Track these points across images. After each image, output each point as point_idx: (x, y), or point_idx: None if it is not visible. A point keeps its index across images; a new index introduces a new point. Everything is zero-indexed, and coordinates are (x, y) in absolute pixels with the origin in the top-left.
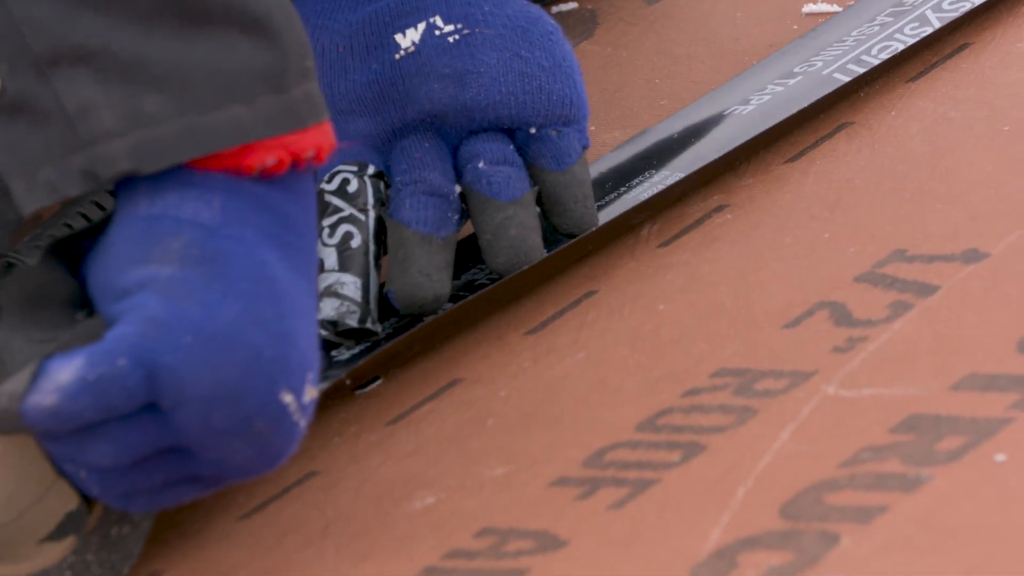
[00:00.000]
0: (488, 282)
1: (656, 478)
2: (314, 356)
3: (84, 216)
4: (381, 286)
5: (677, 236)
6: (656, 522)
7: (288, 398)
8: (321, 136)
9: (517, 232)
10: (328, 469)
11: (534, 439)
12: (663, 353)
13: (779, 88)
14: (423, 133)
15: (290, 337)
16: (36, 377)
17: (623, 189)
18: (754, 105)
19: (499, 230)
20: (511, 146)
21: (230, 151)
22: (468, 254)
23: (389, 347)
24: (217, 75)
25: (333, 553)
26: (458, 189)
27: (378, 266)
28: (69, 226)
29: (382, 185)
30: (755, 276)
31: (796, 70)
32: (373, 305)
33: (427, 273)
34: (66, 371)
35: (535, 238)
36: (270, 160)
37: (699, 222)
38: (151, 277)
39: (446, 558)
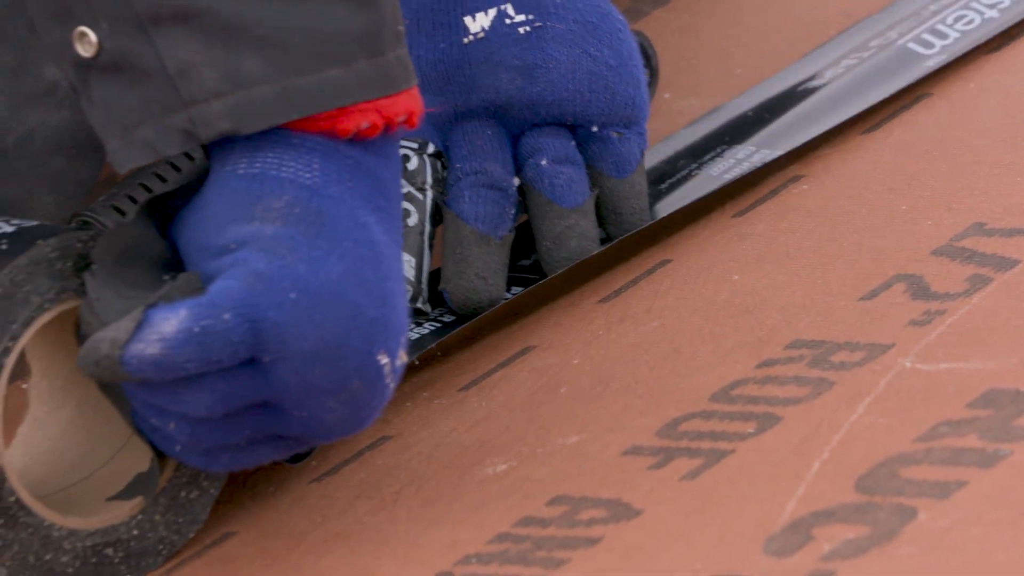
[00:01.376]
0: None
1: (730, 449)
2: (406, 320)
3: (159, 176)
4: (435, 271)
5: (752, 206)
6: (730, 493)
7: (384, 359)
8: (412, 101)
9: (577, 244)
10: (400, 434)
11: (607, 407)
12: (738, 323)
13: (854, 62)
14: (485, 120)
15: (389, 299)
16: (139, 326)
17: (695, 166)
18: (828, 80)
19: (559, 239)
20: (573, 142)
21: (326, 114)
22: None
23: (460, 330)
24: (315, 37)
25: (405, 517)
26: (517, 182)
27: (431, 246)
28: (145, 186)
29: (440, 165)
30: (831, 247)
31: (871, 43)
32: (425, 285)
33: (483, 276)
34: (170, 322)
35: (594, 248)
36: (364, 124)
37: (775, 192)
38: (254, 234)
39: (518, 525)
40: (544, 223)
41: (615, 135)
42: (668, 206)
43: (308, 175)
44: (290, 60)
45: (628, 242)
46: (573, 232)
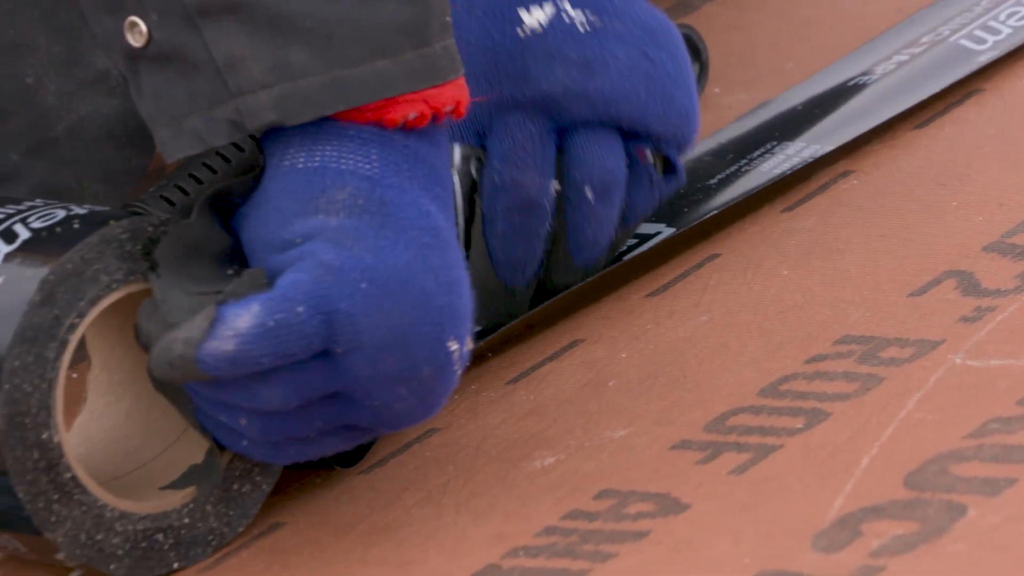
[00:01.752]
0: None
1: (779, 444)
2: (472, 307)
3: (208, 166)
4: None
5: (802, 201)
6: (778, 488)
7: (454, 346)
8: (459, 91)
9: (606, 266)
10: (448, 426)
11: (655, 401)
12: (786, 318)
13: (905, 58)
14: (530, 112)
15: (456, 286)
16: (213, 324)
17: (744, 162)
18: (879, 76)
19: (592, 270)
20: (623, 155)
21: (373, 105)
22: None
23: (506, 330)
24: (362, 29)
25: (452, 510)
26: (556, 187)
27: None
28: (194, 176)
29: (474, 167)
30: (881, 243)
31: (923, 39)
32: None
33: (508, 314)
34: (244, 317)
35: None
36: (412, 114)
37: (824, 187)
38: (319, 227)
39: (566, 518)
40: (576, 247)
41: (658, 176)
42: (718, 201)
43: (368, 166)
44: (337, 52)
45: (680, 238)
46: (604, 260)
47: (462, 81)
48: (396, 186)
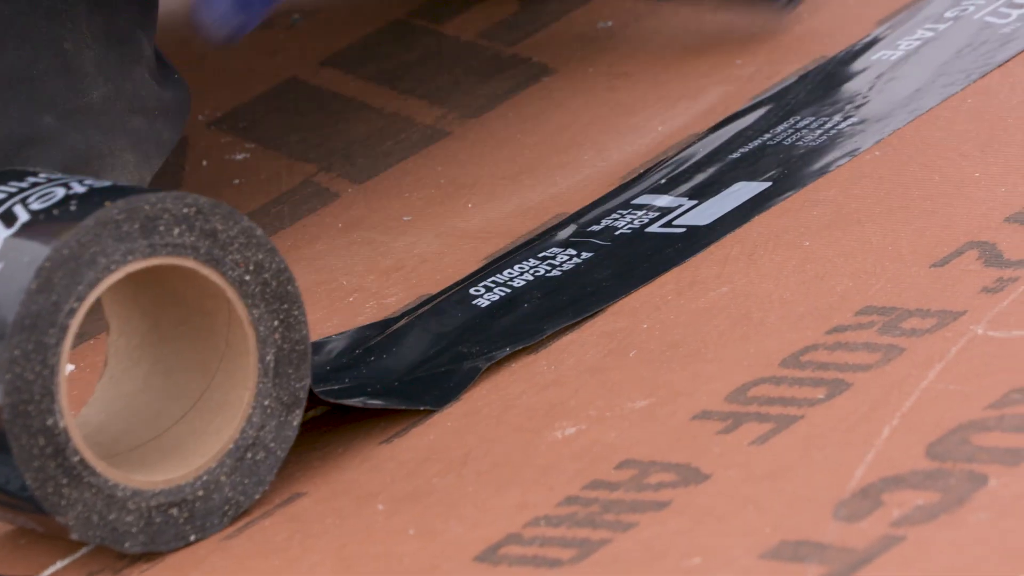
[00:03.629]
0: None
1: (800, 414)
2: None
3: None
4: None
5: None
6: (799, 458)
7: None
8: None
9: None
10: (469, 396)
11: (676, 372)
12: (808, 289)
13: (929, 33)
14: None
15: None
16: None
17: (768, 136)
18: (903, 51)
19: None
20: None
21: None
22: None
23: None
24: None
25: (474, 479)
26: None
27: None
28: None
29: None
30: (902, 214)
31: (947, 14)
32: None
33: None
34: None
35: None
36: None
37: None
38: None
39: (587, 488)
40: None
41: None
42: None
43: None
44: None
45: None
46: None
47: None
48: None
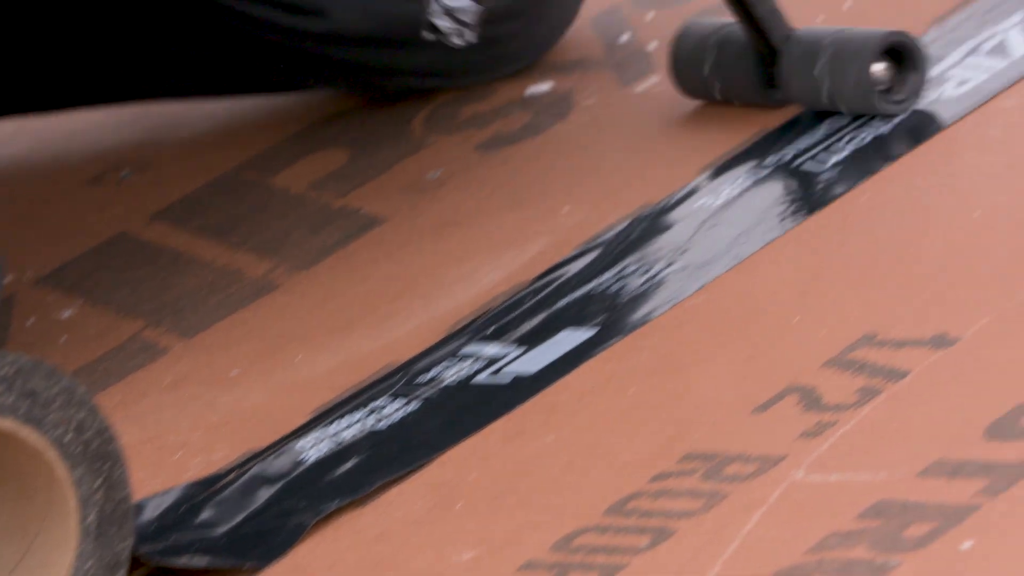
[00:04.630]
0: None
1: (624, 563)
2: None
3: None
4: None
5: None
6: None
7: None
8: None
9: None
10: (295, 553)
11: (502, 523)
12: (632, 436)
13: (750, 181)
14: None
15: None
16: None
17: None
18: (724, 198)
19: None
20: None
21: None
22: None
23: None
24: None
25: None
26: None
27: None
28: None
29: None
30: (724, 360)
31: (767, 161)
32: None
33: None
34: None
35: None
36: None
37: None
38: None
39: None
40: None
41: None
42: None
43: None
44: None
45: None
46: None
47: None
48: None
